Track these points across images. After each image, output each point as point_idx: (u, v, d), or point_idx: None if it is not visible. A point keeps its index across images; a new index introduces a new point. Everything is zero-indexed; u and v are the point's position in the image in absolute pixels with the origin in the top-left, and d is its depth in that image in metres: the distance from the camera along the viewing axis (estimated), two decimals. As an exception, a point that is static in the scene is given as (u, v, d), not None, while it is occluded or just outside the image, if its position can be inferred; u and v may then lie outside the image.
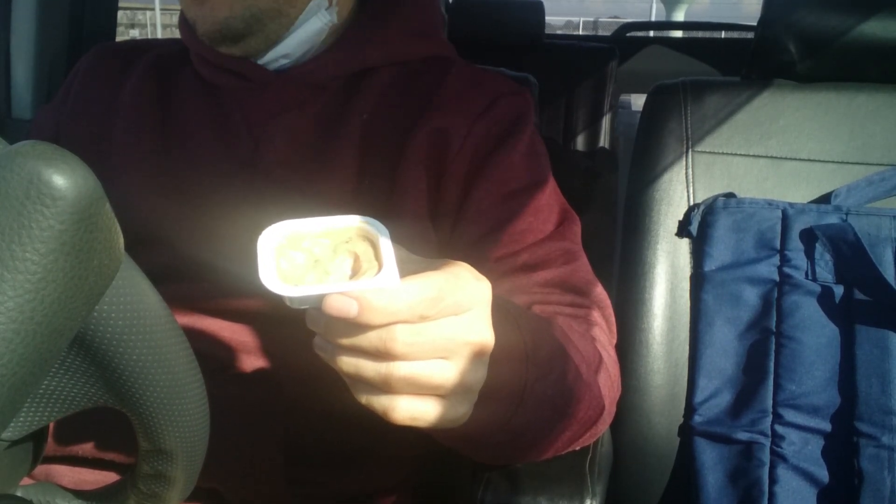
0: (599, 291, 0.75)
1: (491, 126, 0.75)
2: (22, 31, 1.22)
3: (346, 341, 0.42)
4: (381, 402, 0.44)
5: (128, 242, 0.38)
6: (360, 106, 0.76)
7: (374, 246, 0.43)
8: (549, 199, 0.77)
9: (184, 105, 0.79)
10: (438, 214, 0.75)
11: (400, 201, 0.73)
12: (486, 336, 0.46)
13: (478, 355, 0.46)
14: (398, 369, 0.42)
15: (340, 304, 0.40)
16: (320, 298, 0.41)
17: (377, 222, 0.44)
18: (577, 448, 0.70)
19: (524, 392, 0.55)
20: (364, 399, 0.45)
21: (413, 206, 0.73)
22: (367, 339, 0.42)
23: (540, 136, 0.81)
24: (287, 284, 0.41)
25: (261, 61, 0.78)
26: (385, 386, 0.43)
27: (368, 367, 0.43)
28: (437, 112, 0.75)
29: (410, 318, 0.41)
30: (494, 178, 0.74)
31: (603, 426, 0.71)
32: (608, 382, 0.70)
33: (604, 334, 0.73)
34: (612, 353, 0.74)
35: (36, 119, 0.90)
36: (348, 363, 0.43)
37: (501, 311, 0.54)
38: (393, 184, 0.73)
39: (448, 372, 0.44)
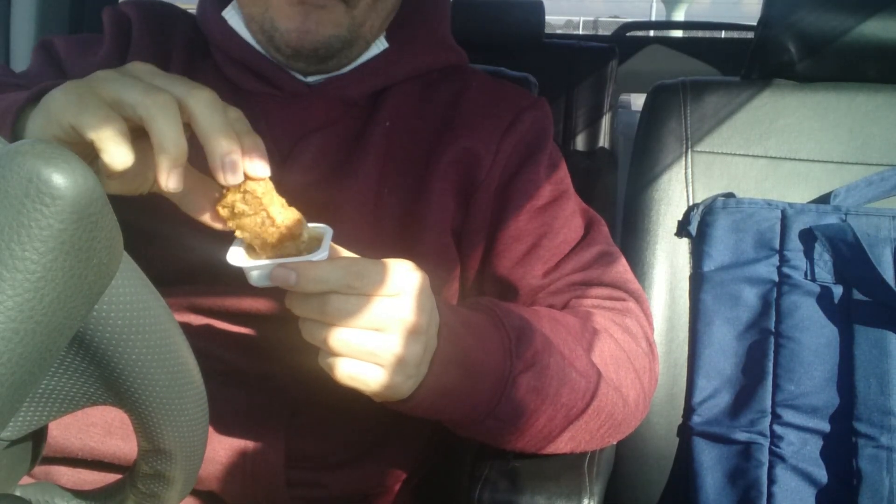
0: (636, 285, 0.79)
1: (517, 142, 0.77)
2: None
3: (298, 310, 0.53)
4: (326, 362, 0.53)
5: (128, 242, 0.38)
6: (383, 118, 0.76)
7: (321, 240, 0.54)
8: (575, 206, 0.79)
9: None
10: (465, 231, 0.76)
11: (422, 214, 0.73)
12: (417, 317, 0.53)
13: (410, 333, 0.53)
14: (336, 332, 0.52)
15: (283, 275, 0.50)
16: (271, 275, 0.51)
17: (326, 226, 0.56)
18: (614, 441, 0.74)
19: (506, 383, 0.61)
20: (320, 361, 0.54)
21: (436, 219, 0.73)
22: (310, 306, 0.52)
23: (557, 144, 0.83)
24: (246, 260, 0.52)
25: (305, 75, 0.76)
26: (327, 347, 0.52)
27: (315, 331, 0.52)
28: (462, 128, 0.75)
29: (339, 288, 0.51)
30: (525, 193, 0.76)
31: (631, 420, 0.73)
32: (631, 376, 0.72)
33: (638, 325, 0.75)
34: (646, 345, 0.76)
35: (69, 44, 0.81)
36: (304, 329, 0.53)
37: (487, 312, 0.64)
38: (416, 196, 0.73)
39: (381, 342, 0.52)
